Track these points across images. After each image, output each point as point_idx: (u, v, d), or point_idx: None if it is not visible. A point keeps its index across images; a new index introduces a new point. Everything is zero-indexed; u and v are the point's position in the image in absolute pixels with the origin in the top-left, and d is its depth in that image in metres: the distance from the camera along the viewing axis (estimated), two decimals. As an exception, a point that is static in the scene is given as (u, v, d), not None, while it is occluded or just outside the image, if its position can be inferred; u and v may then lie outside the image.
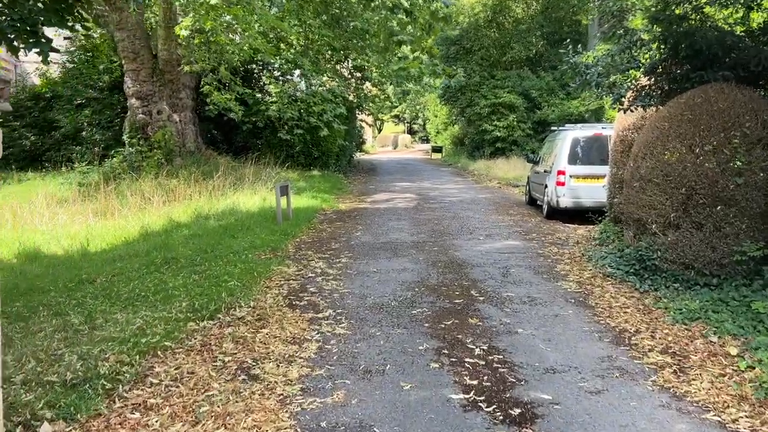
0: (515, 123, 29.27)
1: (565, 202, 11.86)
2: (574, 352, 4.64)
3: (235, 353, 4.59)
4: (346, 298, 6.21)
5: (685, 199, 6.46)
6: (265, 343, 4.84)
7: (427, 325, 5.24)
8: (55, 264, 7.99)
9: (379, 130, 65.20)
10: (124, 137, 18.50)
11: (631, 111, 8.28)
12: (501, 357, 4.52)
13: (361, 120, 32.17)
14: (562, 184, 11.86)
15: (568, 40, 10.44)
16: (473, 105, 30.27)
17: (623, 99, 8.20)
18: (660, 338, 4.92)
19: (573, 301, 6.04)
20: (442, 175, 25.29)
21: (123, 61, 18.28)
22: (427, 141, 57.47)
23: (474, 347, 4.71)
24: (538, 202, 14.48)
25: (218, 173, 16.29)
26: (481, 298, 6.09)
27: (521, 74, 30.53)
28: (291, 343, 4.85)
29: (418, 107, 54.24)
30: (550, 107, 28.66)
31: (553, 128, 14.51)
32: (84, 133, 21.03)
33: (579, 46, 10.65)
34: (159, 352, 4.50)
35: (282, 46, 20.12)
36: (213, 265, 7.75)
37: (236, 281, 6.79)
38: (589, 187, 11.78)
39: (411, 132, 66.96)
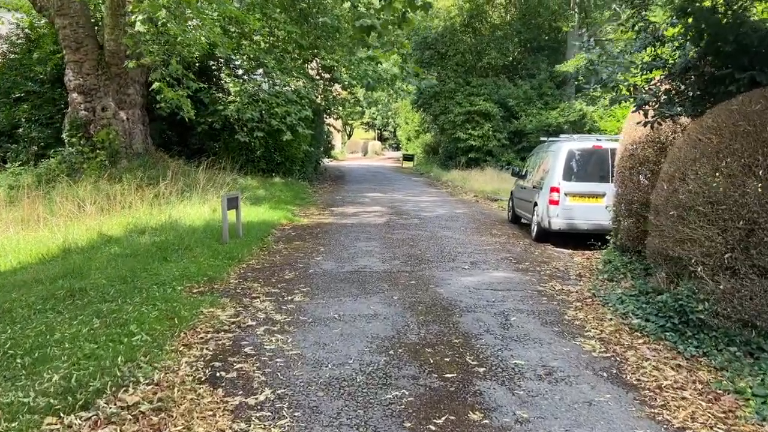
0: (491, 132, 27.93)
1: (559, 223, 10.34)
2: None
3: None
4: (294, 366, 4.46)
5: (745, 235, 4.93)
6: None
7: (409, 425, 3.53)
8: None
9: (349, 136, 63.47)
10: (64, 136, 16.45)
11: (659, 124, 6.75)
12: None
13: (329, 125, 30.37)
14: (556, 202, 10.34)
15: (574, 28, 8.91)
16: (447, 112, 28.82)
17: (647, 106, 6.66)
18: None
19: (605, 375, 4.42)
20: (415, 186, 23.69)
21: (64, 52, 16.25)
22: (398, 148, 55.97)
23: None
24: (523, 220, 12.98)
25: (166, 178, 14.35)
26: (481, 370, 4.41)
27: (498, 82, 29.23)
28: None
29: (389, 113, 52.71)
30: (527, 117, 27.41)
31: (543, 139, 13.03)
32: (21, 130, 18.78)
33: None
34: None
35: (245, 42, 18.32)
36: (126, 304, 5.95)
37: (146, 333, 4.99)
38: (586, 207, 10.29)
39: (381, 139, 65.42)
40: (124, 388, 3.91)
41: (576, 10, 28.03)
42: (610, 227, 9.70)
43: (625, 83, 6.82)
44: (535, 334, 5.36)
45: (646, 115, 6.71)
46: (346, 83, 22.47)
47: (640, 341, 5.19)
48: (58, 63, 18.23)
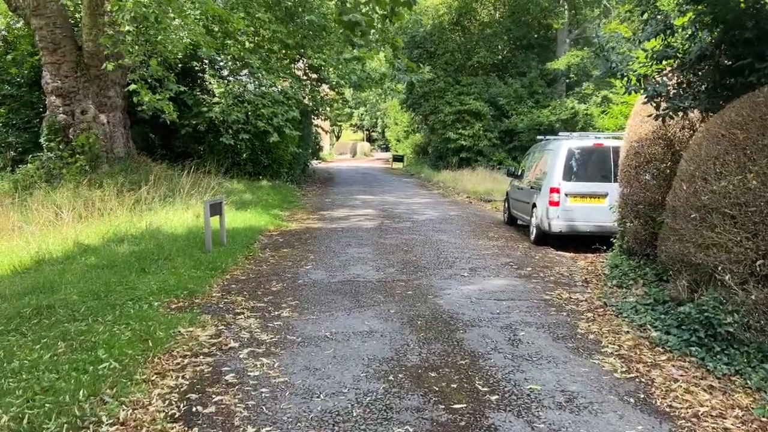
0: (481, 132, 27.51)
1: (559, 225, 9.88)
2: None
3: None
4: (281, 397, 3.93)
5: (779, 240, 4.47)
6: None
7: (416, 472, 3.02)
8: None
9: (338, 137, 62.89)
10: (42, 140, 15.82)
11: (670, 117, 6.27)
12: None
13: (317, 126, 29.80)
14: (556, 204, 9.88)
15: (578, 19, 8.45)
16: (437, 112, 28.37)
17: (660, 99, 6.19)
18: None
19: (632, 400, 3.93)
20: (406, 187, 23.19)
21: (41, 53, 15.63)
22: (387, 149, 55.47)
23: None
24: (520, 222, 12.52)
25: (149, 183, 13.76)
26: (494, 398, 3.90)
27: (488, 80, 28.81)
28: None
29: (378, 113, 52.20)
30: (518, 116, 27.01)
31: (539, 137, 12.57)
32: (-3, 135, 18.10)
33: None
34: None
35: (229, 42, 17.74)
36: (97, 323, 5.41)
37: (115, 360, 4.44)
38: (587, 207, 9.84)
39: (370, 140, 64.90)
40: (84, 428, 3.37)
41: (566, 7, 27.68)
42: (614, 229, 9.26)
43: (635, 72, 6.34)
44: (547, 351, 4.86)
45: (658, 107, 6.24)
46: (334, 83, 21.93)
47: (664, 358, 4.71)
48: (35, 65, 17.56)
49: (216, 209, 9.43)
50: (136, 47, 14.00)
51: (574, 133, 10.96)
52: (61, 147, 15.43)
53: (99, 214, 11.68)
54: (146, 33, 14.37)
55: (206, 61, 19.97)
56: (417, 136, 37.74)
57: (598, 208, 9.77)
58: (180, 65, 18.98)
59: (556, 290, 7.03)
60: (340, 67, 19.73)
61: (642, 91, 6.32)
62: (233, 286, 7.15)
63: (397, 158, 38.62)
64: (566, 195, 9.84)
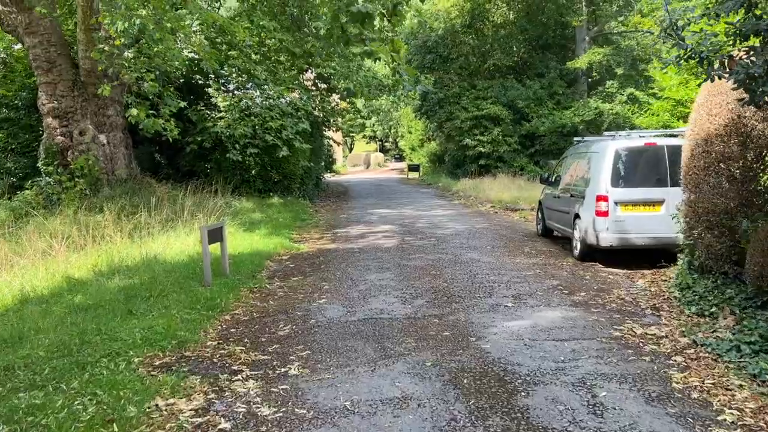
0: (501, 137, 26.20)
1: (609, 239, 8.59)
2: None
3: None
4: None
5: None
6: None
7: None
8: None
9: (350, 149, 61.93)
10: (40, 164, 14.94)
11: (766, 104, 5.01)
12: None
13: (329, 138, 28.74)
14: (605, 213, 8.59)
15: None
16: (453, 118, 27.13)
17: (760, 82, 4.91)
18: None
19: None
20: (424, 198, 21.95)
21: (36, 73, 14.79)
22: (401, 159, 54.31)
23: None
24: (556, 233, 11.26)
25: (148, 206, 12.73)
26: None
27: (505, 83, 27.53)
28: None
29: (390, 123, 51.13)
30: (539, 119, 25.68)
31: (577, 139, 11.30)
32: (-5, 160, 17.27)
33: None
34: None
35: (233, 53, 16.75)
36: (57, 393, 4.29)
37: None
38: (641, 217, 8.56)
39: (383, 150, 63.86)
40: None
41: (584, 3, 26.39)
42: (674, 241, 8.00)
43: (717, 54, 5.08)
44: (645, 423, 3.59)
45: (753, 94, 4.96)
46: (342, 89, 20.84)
47: (810, 429, 3.43)
48: (32, 86, 16.71)
49: (216, 235, 8.28)
50: (133, 61, 13.05)
51: (621, 132, 9.68)
52: (59, 171, 14.55)
53: (95, 242, 10.64)
54: (143, 46, 13.42)
55: (211, 75, 19.02)
56: (432, 144, 36.53)
57: (653, 216, 8.49)
58: (182, 80, 18.04)
59: (625, 323, 5.75)
60: (350, 74, 18.66)
61: (729, 75, 5.05)
62: (233, 330, 5.96)
63: (413, 168, 37.40)
64: (616, 203, 8.57)
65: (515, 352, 4.93)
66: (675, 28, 5.05)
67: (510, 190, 19.71)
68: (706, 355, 4.77)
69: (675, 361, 4.67)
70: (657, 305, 6.44)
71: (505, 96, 26.75)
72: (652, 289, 7.21)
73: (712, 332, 5.26)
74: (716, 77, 5.08)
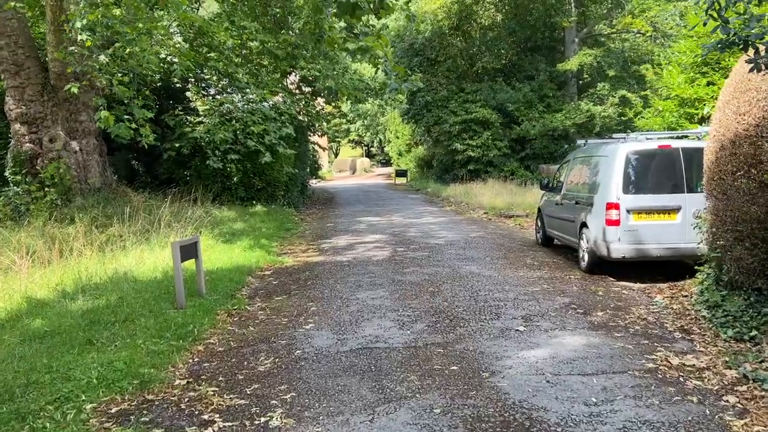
0: (490, 141, 25.58)
1: (621, 250, 7.90)
2: None
3: None
4: None
5: None
6: None
7: None
8: None
9: (336, 155, 61.14)
10: (7, 173, 14.00)
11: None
12: None
13: (314, 143, 27.92)
14: (615, 222, 7.90)
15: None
16: (441, 122, 26.47)
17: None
18: None
19: None
20: (413, 205, 21.21)
21: (2, 76, 13.86)
22: (387, 164, 53.61)
23: None
24: (556, 242, 10.59)
25: (122, 217, 11.86)
26: None
27: (494, 86, 26.92)
28: None
29: (377, 127, 50.41)
30: (529, 122, 25.10)
31: (580, 141, 10.64)
32: (-40, 170, 16.21)
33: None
34: None
35: (213, 55, 15.90)
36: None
37: None
38: (656, 226, 7.88)
39: (369, 155, 63.15)
40: None
41: (573, 4, 25.89)
42: (694, 251, 7.34)
43: (763, 38, 4.40)
44: (718, 495, 2.86)
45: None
46: (326, 91, 20.09)
47: None
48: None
49: (190, 251, 7.46)
50: (105, 64, 12.17)
51: (632, 134, 9.01)
52: (28, 180, 13.62)
53: (63, 257, 9.76)
54: (116, 48, 12.55)
55: (190, 78, 18.15)
56: (420, 149, 35.86)
57: (669, 225, 7.82)
58: (159, 83, 17.16)
59: (656, 351, 5.03)
60: (336, 76, 17.94)
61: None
62: (206, 365, 5.15)
63: (400, 173, 36.67)
64: (628, 211, 7.88)
65: (538, 392, 4.18)
66: (718, 8, 4.35)
67: (502, 195, 19.04)
68: (763, 393, 4.06)
69: (728, 402, 3.96)
70: (685, 327, 5.74)
71: (495, 99, 26.15)
72: (675, 307, 6.52)
73: (760, 362, 4.57)
74: (763, 65, 4.39)
